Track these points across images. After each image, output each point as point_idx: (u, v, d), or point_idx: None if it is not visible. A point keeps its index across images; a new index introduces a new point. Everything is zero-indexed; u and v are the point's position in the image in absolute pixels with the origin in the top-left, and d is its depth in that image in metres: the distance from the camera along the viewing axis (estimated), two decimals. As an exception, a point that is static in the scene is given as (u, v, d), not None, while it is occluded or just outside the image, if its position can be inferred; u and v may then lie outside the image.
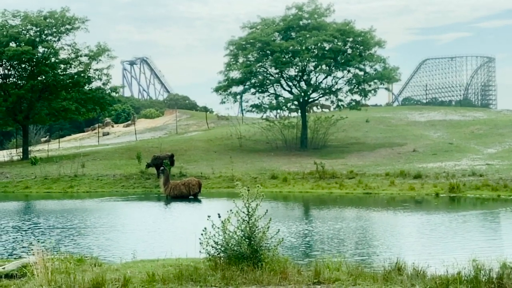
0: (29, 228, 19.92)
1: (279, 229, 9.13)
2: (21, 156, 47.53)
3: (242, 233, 8.85)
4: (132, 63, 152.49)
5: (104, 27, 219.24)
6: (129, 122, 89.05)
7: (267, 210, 9.23)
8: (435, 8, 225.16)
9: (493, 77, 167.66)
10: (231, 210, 9.24)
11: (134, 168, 39.63)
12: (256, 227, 8.86)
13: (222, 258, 8.80)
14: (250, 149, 48.83)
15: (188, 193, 30.37)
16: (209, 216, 9.30)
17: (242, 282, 7.80)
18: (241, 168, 39.40)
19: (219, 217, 9.22)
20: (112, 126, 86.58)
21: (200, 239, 9.21)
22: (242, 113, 72.76)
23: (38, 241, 17.27)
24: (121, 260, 12.48)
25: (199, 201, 29.68)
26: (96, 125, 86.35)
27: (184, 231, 19.20)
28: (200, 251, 9.37)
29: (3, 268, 11.69)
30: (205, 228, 9.10)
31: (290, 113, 57.07)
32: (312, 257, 12.65)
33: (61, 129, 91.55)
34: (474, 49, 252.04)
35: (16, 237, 17.89)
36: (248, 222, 8.90)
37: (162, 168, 32.13)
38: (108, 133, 76.92)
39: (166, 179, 31.00)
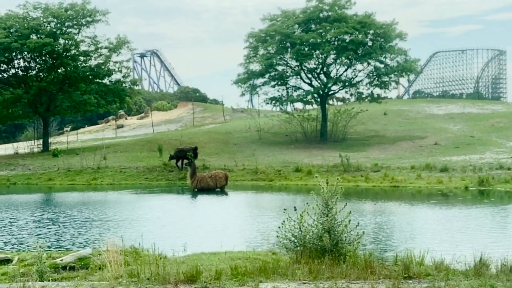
0: (66, 221, 19.87)
1: (358, 222, 8.98)
2: (42, 148, 47.58)
3: (322, 226, 8.72)
4: (142, 56, 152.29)
5: (111, 19, 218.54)
6: (143, 114, 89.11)
7: (346, 204, 9.10)
8: (444, 1, 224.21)
9: (504, 70, 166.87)
10: (307, 203, 9.12)
11: (156, 161, 39.62)
12: (335, 220, 8.74)
13: (302, 252, 8.66)
14: (269, 141, 48.71)
15: (215, 186, 30.27)
16: (285, 209, 9.17)
17: (330, 276, 7.67)
18: (263, 161, 39.25)
19: (295, 210, 9.10)
20: (126, 119, 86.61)
21: (277, 232, 9.09)
22: (253, 105, 72.62)
23: (80, 234, 17.29)
24: (174, 253, 12.43)
25: (226, 193, 29.56)
26: (110, 118, 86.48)
27: (222, 224, 19.15)
28: (276, 244, 9.25)
29: (60, 260, 11.62)
30: (284, 222, 8.98)
31: (304, 106, 56.91)
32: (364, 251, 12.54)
33: (73, 121, 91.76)
34: (483, 42, 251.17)
35: (57, 230, 17.84)
36: (327, 215, 8.77)
37: (189, 160, 32.08)
38: (122, 126, 76.86)
39: (192, 171, 30.91)
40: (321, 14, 48.47)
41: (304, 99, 49.77)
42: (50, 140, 51.51)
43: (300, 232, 8.93)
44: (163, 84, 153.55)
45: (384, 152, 42.50)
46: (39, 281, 9.66)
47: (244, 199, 28.03)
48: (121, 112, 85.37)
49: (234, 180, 34.40)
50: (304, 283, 7.45)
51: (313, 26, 48.51)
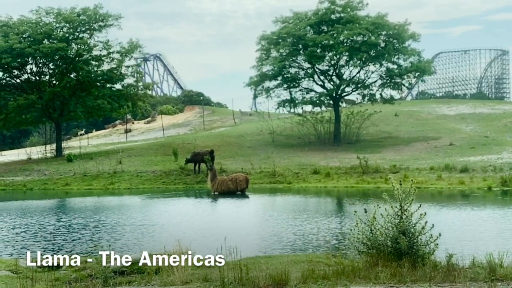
0: (96, 226, 19.73)
1: (433, 224, 8.84)
2: (55, 153, 47.42)
3: (396, 228, 8.57)
4: (145, 60, 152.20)
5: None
6: (149, 118, 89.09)
7: (420, 205, 8.96)
8: (446, 1, 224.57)
9: (507, 70, 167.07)
10: (378, 205, 8.98)
11: (172, 164, 39.43)
12: (409, 222, 8.60)
13: (379, 255, 8.50)
14: (283, 144, 48.58)
15: (236, 189, 30.17)
16: (355, 212, 9.03)
17: (415, 279, 7.53)
18: (279, 164, 39.08)
19: (365, 212, 8.96)
20: (133, 123, 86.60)
21: (349, 234, 8.94)
22: (256, 108, 72.40)
23: (116, 239, 17.12)
24: (230, 257, 12.23)
25: (247, 196, 29.38)
26: (117, 122, 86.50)
27: (256, 228, 18.97)
28: (348, 247, 9.10)
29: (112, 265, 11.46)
30: (357, 224, 8.82)
31: (313, 108, 56.68)
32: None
33: (78, 126, 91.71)
34: (485, 42, 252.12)
35: (92, 235, 17.68)
36: (401, 217, 8.63)
37: (209, 164, 32.01)
38: (130, 130, 76.81)
39: (213, 175, 30.85)
40: (333, 16, 48.35)
41: (318, 101, 49.59)
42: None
43: (371, 234, 8.78)
44: (166, 88, 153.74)
45: (400, 153, 42.34)
46: (102, 286, 9.54)
47: (268, 202, 27.85)
48: (128, 116, 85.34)
49: (252, 183, 34.20)
50: (391, 286, 7.30)
51: (325, 28, 48.37)
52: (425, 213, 8.73)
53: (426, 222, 8.59)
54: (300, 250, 14.26)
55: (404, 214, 8.64)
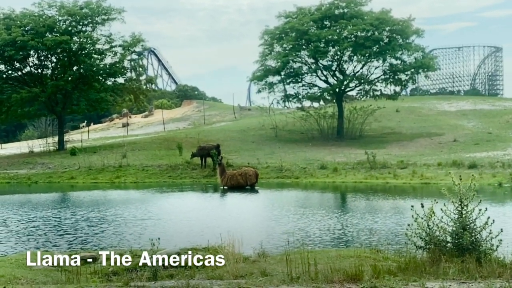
0: (115, 220, 19.58)
1: (493, 220, 8.77)
2: (57, 147, 47.09)
3: (457, 224, 8.50)
4: (139, 54, 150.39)
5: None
6: (147, 113, 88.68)
7: (480, 200, 8.89)
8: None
9: (501, 66, 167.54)
10: (435, 200, 8.91)
11: (177, 159, 39.27)
12: (469, 218, 8.53)
13: (440, 251, 8.43)
14: (286, 139, 48.49)
15: (245, 183, 30.10)
16: (412, 206, 8.95)
17: (483, 276, 7.46)
18: (284, 158, 38.96)
19: (422, 206, 8.88)
20: (130, 117, 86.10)
21: (407, 229, 8.87)
22: (251, 103, 72.25)
23: (140, 233, 16.95)
24: (254, 251, 12.20)
25: (257, 191, 29.28)
26: (114, 116, 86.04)
27: (276, 223, 18.82)
28: (405, 243, 9.03)
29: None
30: (416, 220, 8.74)
31: (312, 103, 56.57)
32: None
33: (72, 120, 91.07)
34: (478, 39, 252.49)
35: (115, 229, 17.53)
36: (461, 213, 8.56)
37: (219, 159, 31.94)
38: (128, 124, 76.35)
39: (222, 169, 30.76)
40: (336, 11, 48.24)
41: (322, 97, 49.53)
42: (53, 139, 50.95)
43: (428, 229, 8.71)
44: (160, 82, 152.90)
45: (404, 149, 42.36)
46: (152, 280, 9.42)
47: (280, 196, 27.68)
48: (125, 110, 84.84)
49: (260, 177, 34.01)
50: (462, 282, 7.23)
51: (328, 23, 48.27)
52: (486, 208, 8.66)
53: (488, 217, 8.52)
54: (330, 245, 14.20)
55: (464, 210, 8.57)
